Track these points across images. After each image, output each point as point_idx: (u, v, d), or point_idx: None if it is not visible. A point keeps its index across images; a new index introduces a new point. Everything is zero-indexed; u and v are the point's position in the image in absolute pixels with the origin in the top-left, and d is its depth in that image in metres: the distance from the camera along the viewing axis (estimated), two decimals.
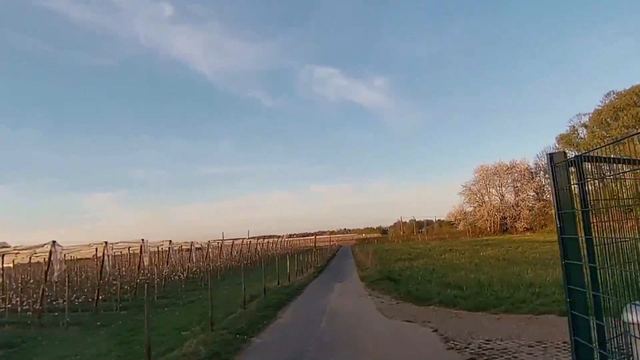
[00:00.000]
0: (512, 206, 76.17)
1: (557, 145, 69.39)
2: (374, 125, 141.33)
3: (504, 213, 76.69)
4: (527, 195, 76.10)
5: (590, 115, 60.30)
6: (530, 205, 74.61)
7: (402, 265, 22.39)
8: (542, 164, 76.89)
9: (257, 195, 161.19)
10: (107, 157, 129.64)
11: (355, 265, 30.41)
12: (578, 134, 64.15)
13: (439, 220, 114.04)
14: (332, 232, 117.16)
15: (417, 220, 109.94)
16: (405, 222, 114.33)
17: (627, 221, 2.91)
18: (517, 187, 76.14)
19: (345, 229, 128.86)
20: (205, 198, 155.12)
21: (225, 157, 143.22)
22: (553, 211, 2.97)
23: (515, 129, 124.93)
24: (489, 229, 77.85)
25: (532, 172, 76.58)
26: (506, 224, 77.02)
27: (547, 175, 77.05)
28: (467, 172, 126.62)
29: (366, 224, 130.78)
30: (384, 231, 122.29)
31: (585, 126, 62.41)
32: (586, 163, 2.98)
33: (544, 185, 77.25)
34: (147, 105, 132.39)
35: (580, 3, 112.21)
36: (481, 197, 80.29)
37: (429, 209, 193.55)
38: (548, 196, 77.23)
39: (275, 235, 76.56)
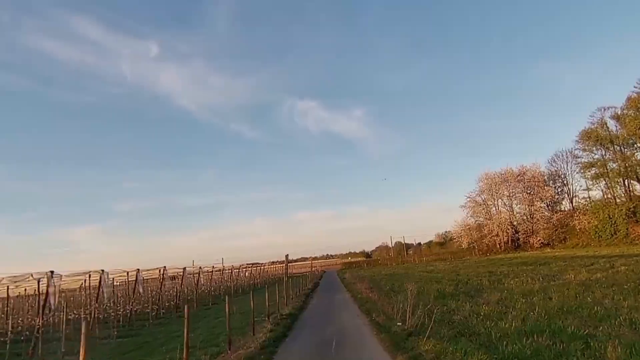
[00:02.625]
0: (526, 219, 65.73)
1: (579, 143, 60.18)
2: (353, 153, 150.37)
3: (516, 227, 66.16)
4: (542, 205, 65.90)
5: (624, 104, 52.82)
6: (546, 216, 64.30)
7: (484, 311, 10.45)
8: (556, 170, 67.68)
9: (239, 224, 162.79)
10: (92, 190, 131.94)
11: (363, 314, 13.36)
12: (607, 127, 54.99)
13: (429, 241, 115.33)
14: (314, 258, 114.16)
15: (403, 242, 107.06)
16: (388, 245, 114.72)
17: None
18: (529, 196, 65.89)
19: (328, 255, 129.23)
20: (190, 227, 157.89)
21: (208, 187, 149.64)
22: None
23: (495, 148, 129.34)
24: (498, 245, 67.09)
25: (545, 179, 66.71)
26: (518, 239, 66.40)
27: (565, 181, 67.52)
28: (447, 195, 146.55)
29: (348, 249, 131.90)
30: (367, 255, 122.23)
31: (617, 118, 53.53)
32: None
33: (561, 193, 67.58)
34: (131, 139, 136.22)
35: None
36: (487, 209, 69.86)
37: (411, 233, 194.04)
38: (565, 206, 67.59)
39: (258, 263, 71.69)
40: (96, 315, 16.81)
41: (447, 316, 9.93)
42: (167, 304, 20.97)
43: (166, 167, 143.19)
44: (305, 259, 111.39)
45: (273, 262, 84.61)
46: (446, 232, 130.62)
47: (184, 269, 29.46)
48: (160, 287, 21.38)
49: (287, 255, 21.19)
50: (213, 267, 38.89)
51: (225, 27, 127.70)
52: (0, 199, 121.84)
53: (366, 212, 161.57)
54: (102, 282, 17.41)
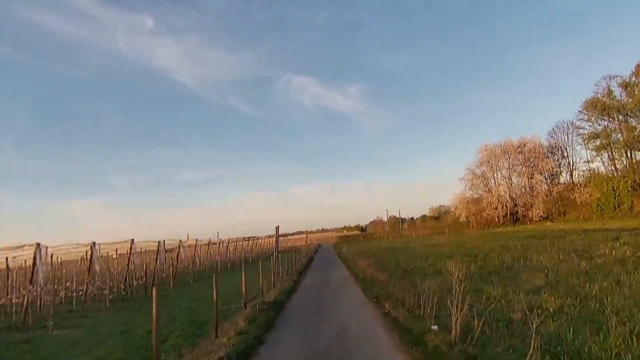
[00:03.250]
0: (525, 191, 63.78)
1: (584, 112, 57.50)
2: (348, 129, 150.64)
3: (515, 200, 64.27)
4: (542, 178, 63.83)
5: (633, 71, 49.83)
6: (546, 189, 62.40)
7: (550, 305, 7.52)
8: (556, 142, 65.34)
9: (236, 198, 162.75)
10: (90, 165, 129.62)
11: (371, 303, 10.55)
12: (614, 96, 52.18)
13: (422, 215, 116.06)
14: (310, 232, 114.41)
15: (397, 216, 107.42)
16: (382, 219, 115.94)
17: None
18: (529, 168, 63.69)
19: (323, 229, 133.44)
20: (187, 202, 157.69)
21: (205, 162, 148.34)
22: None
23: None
24: (497, 219, 65.37)
25: (545, 152, 64.38)
26: (517, 212, 64.66)
27: (565, 154, 65.38)
28: (440, 171, 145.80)
29: (343, 223, 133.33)
30: (362, 229, 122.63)
31: (625, 86, 50.66)
32: None
33: (560, 166, 65.44)
34: (128, 113, 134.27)
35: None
36: (486, 181, 67.72)
37: (404, 207, 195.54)
38: (565, 178, 65.67)
39: (252, 237, 70.28)
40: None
41: (496, 313, 7.25)
42: (135, 283, 18.25)
43: (163, 141, 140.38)
44: (300, 233, 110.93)
45: (270, 236, 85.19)
46: (440, 206, 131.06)
47: (160, 242, 26.50)
48: (128, 264, 18.62)
49: (277, 227, 18.25)
50: (197, 240, 36.27)
51: (220, 1, 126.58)
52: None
53: (360, 187, 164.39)
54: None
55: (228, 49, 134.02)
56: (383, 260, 21.77)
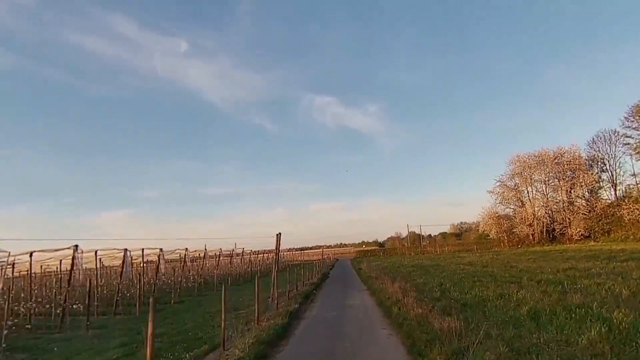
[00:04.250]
0: (565, 207, 57.51)
1: (631, 119, 51.50)
2: (368, 147, 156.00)
3: (552, 216, 58.03)
4: (583, 192, 57.56)
5: None
6: (588, 205, 56.02)
7: None
8: (595, 155, 59.18)
9: (258, 213, 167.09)
10: (122, 178, 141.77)
11: None
12: None
13: (442, 232, 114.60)
14: (328, 247, 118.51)
15: (417, 233, 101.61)
16: (400, 235, 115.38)
17: None
18: (568, 181, 57.54)
19: (341, 244, 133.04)
20: (212, 215, 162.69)
21: (229, 177, 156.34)
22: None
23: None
24: (531, 236, 59.12)
25: (588, 163, 58.28)
26: (554, 229, 58.33)
27: (605, 167, 59.12)
28: (457, 190, 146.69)
29: (361, 239, 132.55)
30: (380, 245, 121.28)
31: None
32: None
33: (599, 180, 58.97)
34: (157, 130, 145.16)
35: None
36: (519, 195, 61.66)
37: (422, 224, 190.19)
38: (608, 193, 59.17)
39: (274, 250, 69.85)
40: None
41: None
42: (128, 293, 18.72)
43: (191, 157, 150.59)
44: (319, 247, 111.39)
45: (290, 249, 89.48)
46: (461, 222, 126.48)
47: (160, 249, 22.98)
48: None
49: (278, 235, 13.58)
50: (206, 251, 32.55)
51: (248, 24, 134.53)
52: (40, 185, 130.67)
53: (378, 204, 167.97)
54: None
55: (254, 70, 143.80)
56: (417, 282, 16.86)
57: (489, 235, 64.55)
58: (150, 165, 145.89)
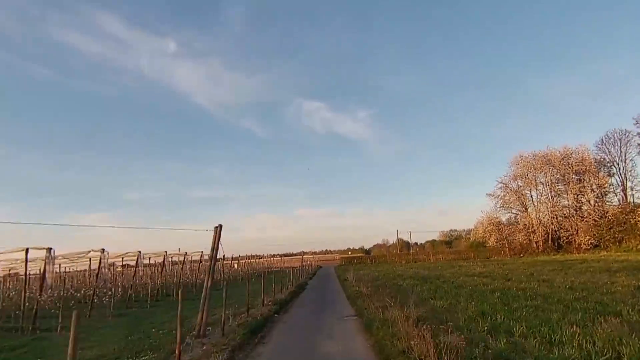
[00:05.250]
0: (570, 213, 52.31)
1: None
2: (355, 154, 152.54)
3: (558, 222, 52.71)
4: (591, 197, 52.44)
5: None
6: (598, 211, 50.91)
7: None
8: (603, 157, 54.37)
9: (242, 218, 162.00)
10: (104, 179, 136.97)
11: None
12: None
13: (432, 239, 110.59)
14: (313, 253, 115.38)
15: (404, 240, 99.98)
16: (386, 242, 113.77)
17: None
18: (576, 185, 52.38)
19: (326, 250, 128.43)
20: (194, 219, 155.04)
21: (215, 181, 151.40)
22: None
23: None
24: (535, 244, 53.72)
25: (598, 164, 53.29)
26: (559, 237, 53.02)
27: (614, 170, 54.32)
28: (445, 197, 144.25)
29: (346, 245, 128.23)
30: (366, 251, 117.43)
31: None
32: None
33: (606, 185, 54.00)
34: (143, 130, 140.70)
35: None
36: (523, 199, 56.29)
37: (408, 231, 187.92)
38: (617, 198, 54.26)
39: (258, 256, 75.24)
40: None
41: None
42: None
43: (176, 159, 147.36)
44: (305, 253, 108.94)
45: (273, 256, 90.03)
46: (451, 230, 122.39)
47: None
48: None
49: (217, 228, 8.26)
50: (186, 255, 28.12)
51: (238, 27, 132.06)
52: (17, 184, 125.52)
53: (365, 210, 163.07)
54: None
55: (243, 73, 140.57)
56: (435, 306, 10.68)
57: (487, 243, 58.86)
58: (136, 167, 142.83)
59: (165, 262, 24.25)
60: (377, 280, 21.86)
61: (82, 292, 19.35)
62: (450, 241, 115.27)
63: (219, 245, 10.50)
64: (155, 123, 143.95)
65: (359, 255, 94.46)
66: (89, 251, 17.56)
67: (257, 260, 65.18)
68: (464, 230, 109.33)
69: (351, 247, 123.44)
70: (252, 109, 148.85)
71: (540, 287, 14.81)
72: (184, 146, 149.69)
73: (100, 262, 17.08)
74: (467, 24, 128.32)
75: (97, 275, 17.51)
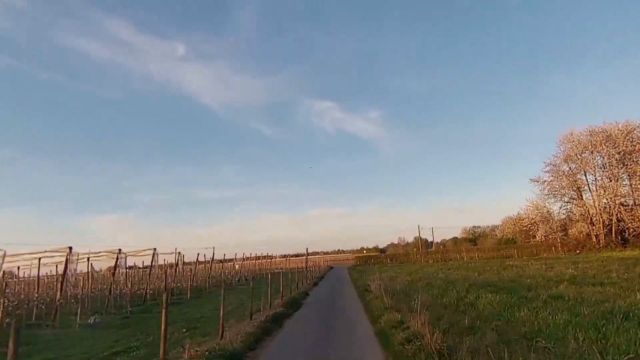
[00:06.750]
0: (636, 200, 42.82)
1: None
2: (367, 153, 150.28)
3: (621, 213, 43.22)
4: None
5: None
6: None
7: None
8: None
9: (254, 218, 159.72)
10: (116, 181, 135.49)
11: None
12: None
13: (453, 237, 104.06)
14: (325, 253, 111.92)
15: (423, 238, 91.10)
16: (401, 241, 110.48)
17: None
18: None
19: (339, 250, 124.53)
20: (205, 220, 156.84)
21: (226, 182, 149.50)
22: None
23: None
24: (594, 238, 44.37)
25: None
26: (624, 230, 43.56)
27: None
28: (459, 196, 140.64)
29: (360, 245, 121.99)
30: (381, 250, 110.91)
31: None
32: None
33: None
34: (153, 133, 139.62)
35: None
36: (576, 184, 46.89)
37: (425, 230, 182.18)
38: None
39: (270, 256, 71.71)
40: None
41: None
42: None
43: (187, 161, 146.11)
44: (316, 253, 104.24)
45: (284, 256, 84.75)
46: (474, 226, 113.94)
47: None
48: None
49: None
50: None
51: (248, 29, 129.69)
52: (30, 188, 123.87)
53: (377, 210, 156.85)
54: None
55: (252, 74, 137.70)
56: None
57: (534, 237, 49.64)
58: (146, 169, 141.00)
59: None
60: (415, 291, 13.76)
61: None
62: (474, 238, 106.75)
63: None
64: (162, 125, 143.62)
65: (374, 254, 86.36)
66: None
67: (268, 261, 61.25)
68: (488, 227, 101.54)
69: (365, 247, 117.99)
70: (261, 110, 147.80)
71: None
72: (192, 148, 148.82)
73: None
74: (477, 23, 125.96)
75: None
